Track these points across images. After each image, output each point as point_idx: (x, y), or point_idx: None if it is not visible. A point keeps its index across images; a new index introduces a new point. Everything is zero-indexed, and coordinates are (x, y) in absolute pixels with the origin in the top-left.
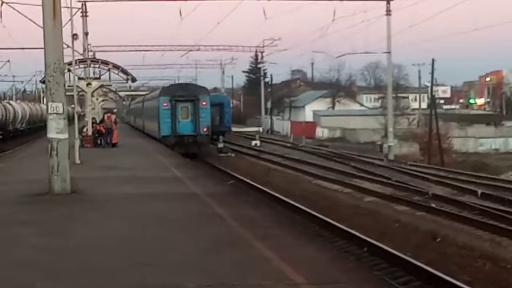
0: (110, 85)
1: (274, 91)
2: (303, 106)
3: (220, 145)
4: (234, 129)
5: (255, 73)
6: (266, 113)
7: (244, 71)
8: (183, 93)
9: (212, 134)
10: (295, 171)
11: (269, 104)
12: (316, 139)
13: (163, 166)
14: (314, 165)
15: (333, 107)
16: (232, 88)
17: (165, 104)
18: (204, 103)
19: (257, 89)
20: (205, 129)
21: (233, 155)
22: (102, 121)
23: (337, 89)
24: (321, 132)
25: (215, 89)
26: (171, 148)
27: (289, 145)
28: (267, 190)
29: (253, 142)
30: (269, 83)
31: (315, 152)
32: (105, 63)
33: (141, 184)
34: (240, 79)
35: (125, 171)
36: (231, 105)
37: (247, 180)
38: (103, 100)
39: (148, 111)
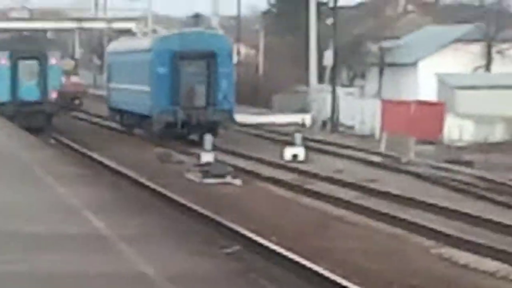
0: None
1: (342, 25)
2: (414, 63)
3: (207, 156)
4: (241, 116)
5: None
6: (320, 80)
7: None
8: (27, 48)
9: (175, 125)
10: (391, 224)
11: (328, 58)
12: (443, 144)
13: (63, 207)
14: (436, 210)
15: (487, 66)
16: (238, 17)
17: (3, 62)
18: (53, 61)
19: (297, 20)
20: (54, 95)
21: (238, 182)
22: None
23: (497, 22)
24: (456, 129)
25: (196, 18)
26: (11, 120)
27: (377, 159)
28: (330, 276)
29: (289, 152)
30: (331, 4)
31: (441, 178)
32: None
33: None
34: None
35: None
36: (235, 58)
37: (273, 247)
38: None
39: None
